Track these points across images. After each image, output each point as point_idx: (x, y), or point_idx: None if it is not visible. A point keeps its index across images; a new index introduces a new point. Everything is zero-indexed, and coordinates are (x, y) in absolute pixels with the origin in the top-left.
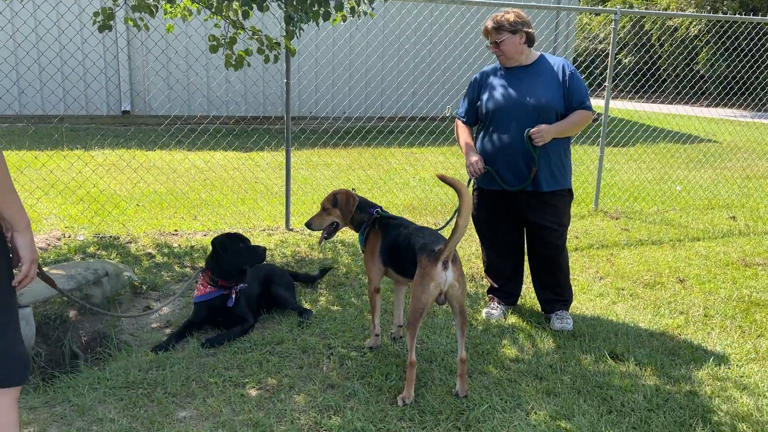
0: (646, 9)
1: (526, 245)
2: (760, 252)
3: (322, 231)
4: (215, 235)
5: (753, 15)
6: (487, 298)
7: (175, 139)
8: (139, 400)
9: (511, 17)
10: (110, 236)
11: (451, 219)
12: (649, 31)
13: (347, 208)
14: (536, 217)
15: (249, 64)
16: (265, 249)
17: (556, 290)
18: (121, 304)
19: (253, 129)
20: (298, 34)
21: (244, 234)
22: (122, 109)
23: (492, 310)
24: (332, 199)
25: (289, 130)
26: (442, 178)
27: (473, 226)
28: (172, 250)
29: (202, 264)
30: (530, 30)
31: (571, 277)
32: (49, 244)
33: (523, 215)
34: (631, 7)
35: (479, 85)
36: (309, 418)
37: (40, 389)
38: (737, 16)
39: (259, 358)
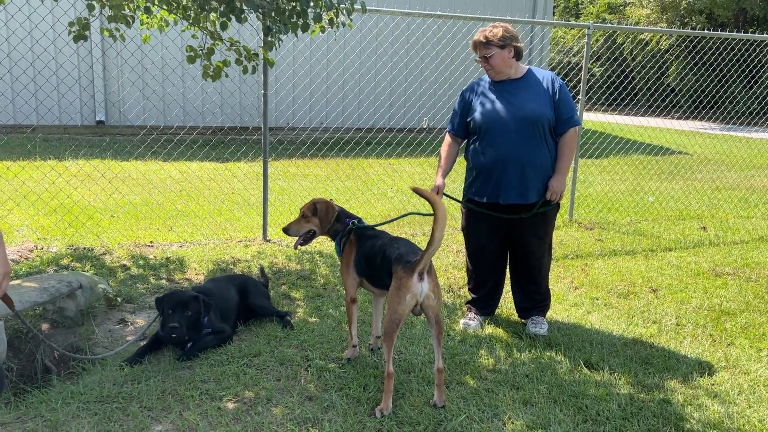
0: (618, 23)
1: (509, 254)
2: (730, 262)
3: (298, 237)
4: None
5: (721, 31)
6: (464, 309)
7: (150, 149)
8: (113, 415)
9: (500, 32)
10: (84, 248)
11: (396, 219)
12: (621, 44)
13: (326, 218)
14: (524, 228)
15: (227, 75)
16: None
17: (535, 297)
18: (96, 317)
19: (230, 140)
20: (277, 45)
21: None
22: (96, 119)
23: (469, 321)
24: (312, 207)
25: (267, 140)
26: (417, 191)
27: (449, 237)
28: (147, 261)
29: (178, 276)
30: (519, 44)
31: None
32: (21, 256)
33: (510, 226)
34: (604, 21)
35: (469, 99)
36: (287, 430)
37: (11, 404)
38: (706, 31)
39: (236, 371)
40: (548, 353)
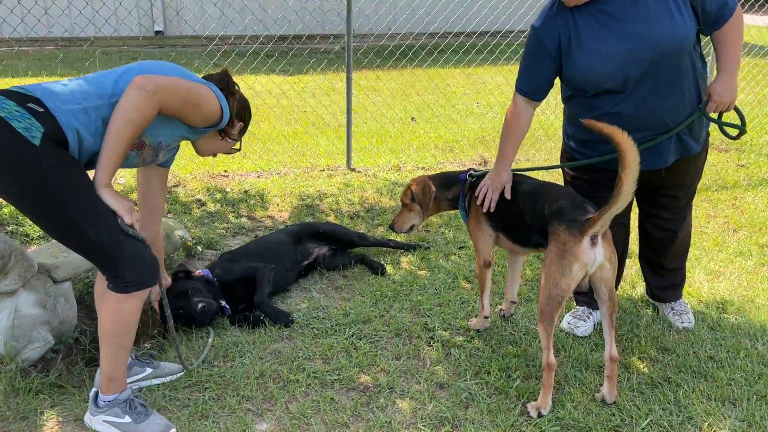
0: None
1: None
2: None
3: (408, 229)
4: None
5: None
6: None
7: (211, 60)
8: (207, 408)
9: None
10: None
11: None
12: None
13: (425, 200)
14: (663, 188)
15: None
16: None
17: (668, 273)
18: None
19: (296, 50)
20: None
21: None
22: (155, 29)
23: (578, 321)
24: (409, 193)
25: (350, 52)
26: (592, 127)
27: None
28: (225, 195)
29: (259, 213)
30: None
31: (697, 227)
32: None
33: (645, 189)
34: None
35: (555, 42)
36: None
37: (86, 385)
38: None
39: (346, 345)
40: (725, 319)
